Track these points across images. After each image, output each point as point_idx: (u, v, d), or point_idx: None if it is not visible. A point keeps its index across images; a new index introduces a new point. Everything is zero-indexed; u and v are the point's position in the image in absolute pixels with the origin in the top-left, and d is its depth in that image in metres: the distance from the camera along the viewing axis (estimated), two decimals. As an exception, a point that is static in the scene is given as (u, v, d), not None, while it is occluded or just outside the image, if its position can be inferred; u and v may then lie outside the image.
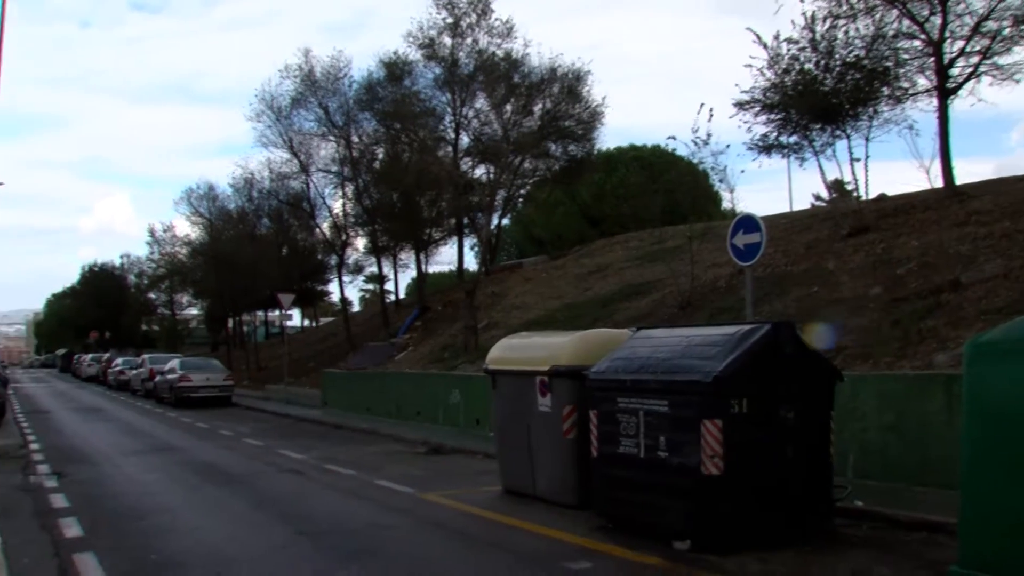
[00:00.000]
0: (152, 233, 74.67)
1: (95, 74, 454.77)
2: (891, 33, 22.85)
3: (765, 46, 23.43)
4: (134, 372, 43.32)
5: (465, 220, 44.58)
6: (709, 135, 22.04)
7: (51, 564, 8.70)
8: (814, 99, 23.00)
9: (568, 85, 39.73)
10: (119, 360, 50.17)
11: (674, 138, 43.25)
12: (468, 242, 51.30)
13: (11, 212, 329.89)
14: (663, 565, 8.15)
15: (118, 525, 10.69)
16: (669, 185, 36.07)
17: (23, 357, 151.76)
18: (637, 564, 8.30)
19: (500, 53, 39.22)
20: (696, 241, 24.83)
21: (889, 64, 23.26)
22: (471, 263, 55.99)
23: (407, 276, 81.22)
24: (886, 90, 23.38)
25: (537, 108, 39.45)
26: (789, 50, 23.39)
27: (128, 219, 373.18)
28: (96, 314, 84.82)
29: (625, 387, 9.33)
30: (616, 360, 9.81)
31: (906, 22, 22.58)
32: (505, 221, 52.96)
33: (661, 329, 10.46)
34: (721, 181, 23.88)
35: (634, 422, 9.15)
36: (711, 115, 21.96)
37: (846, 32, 23.02)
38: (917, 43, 22.86)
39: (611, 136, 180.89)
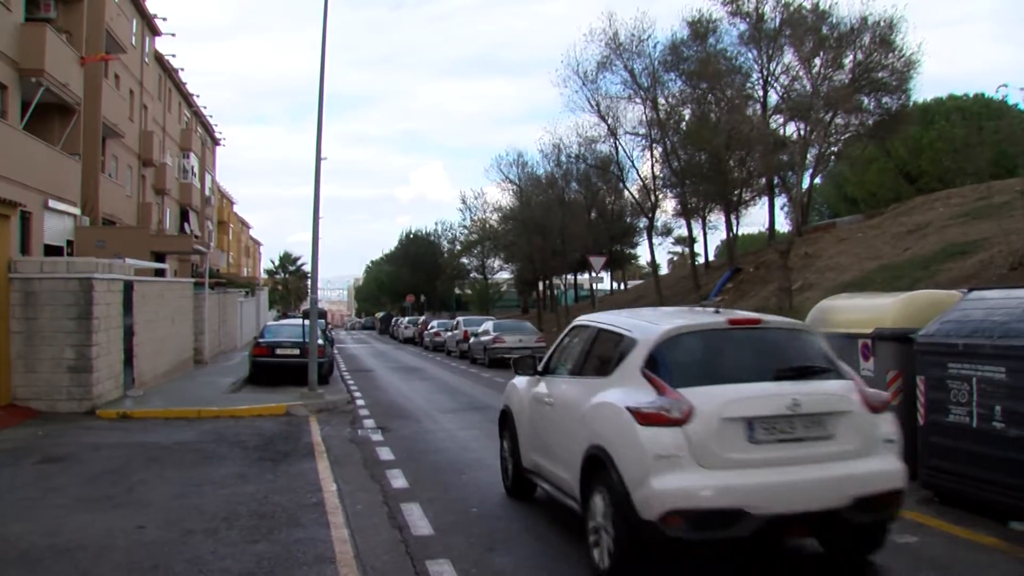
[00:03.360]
0: (464, 200, 77.69)
1: (407, 52, 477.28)
2: None
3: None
4: (449, 334, 44.70)
5: (776, 179, 43.49)
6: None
7: (381, 512, 9.27)
8: None
9: (880, 34, 37.82)
10: (434, 322, 51.97)
11: (1005, 86, 40.27)
12: (778, 202, 50.16)
13: (335, 185, 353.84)
14: (999, 546, 7.66)
15: (439, 478, 11.25)
16: (997, 136, 33.68)
17: (345, 320, 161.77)
18: (969, 542, 7.83)
19: (807, 5, 38.02)
20: (1030, 195, 23.13)
21: None
22: (781, 224, 54.72)
23: (715, 238, 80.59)
24: None
25: (847, 60, 37.87)
26: None
27: (441, 187, 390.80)
28: (412, 278, 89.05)
29: (957, 352, 8.82)
30: (946, 323, 9.28)
31: None
32: (817, 180, 51.21)
33: (997, 290, 9.73)
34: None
35: (966, 389, 8.65)
36: None
37: None
38: None
39: (928, 86, 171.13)
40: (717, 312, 7.78)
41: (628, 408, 6.65)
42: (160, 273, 31.34)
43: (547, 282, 65.90)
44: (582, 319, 9.36)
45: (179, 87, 52.90)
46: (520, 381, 9.96)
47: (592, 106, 46.62)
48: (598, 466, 6.98)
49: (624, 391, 6.97)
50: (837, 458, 6.55)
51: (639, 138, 47.51)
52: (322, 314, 34.82)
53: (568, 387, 8.38)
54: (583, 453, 7.25)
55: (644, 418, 6.50)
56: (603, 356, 7.95)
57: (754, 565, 7.44)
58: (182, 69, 51.76)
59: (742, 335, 7.32)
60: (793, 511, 6.39)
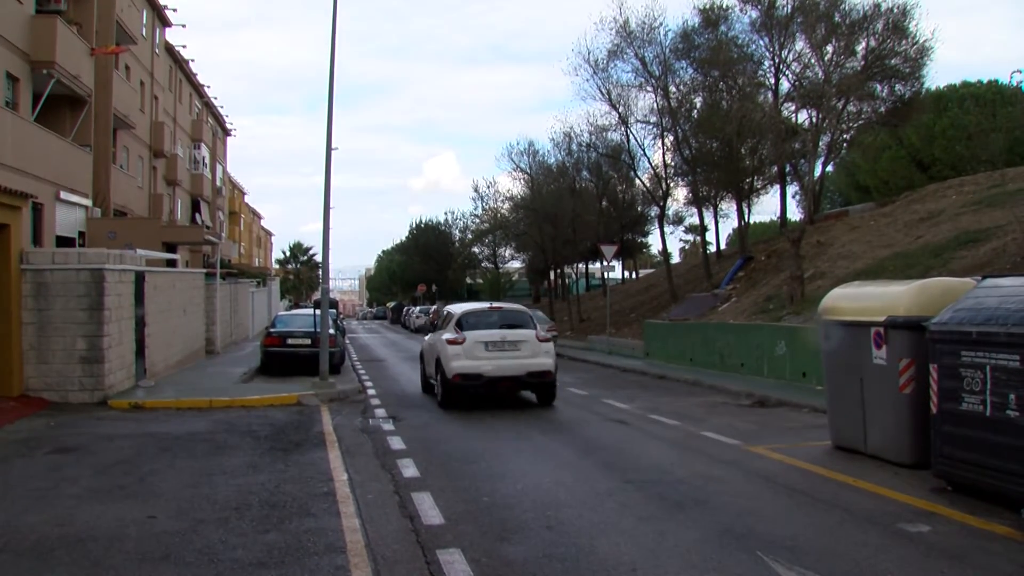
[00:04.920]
0: (476, 189, 77.54)
1: (421, 42, 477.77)
2: None
3: None
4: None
5: (787, 167, 43.26)
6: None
7: (392, 501, 9.28)
8: None
9: (893, 20, 37.59)
10: (446, 311, 51.58)
11: (1020, 71, 39.95)
12: (790, 190, 49.91)
13: (346, 175, 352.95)
14: (1014, 536, 7.62)
15: (450, 468, 11.24)
16: (1011, 123, 33.43)
17: (357, 310, 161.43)
18: (982, 532, 7.79)
19: (819, -9, 37.77)
20: (1044, 182, 22.97)
21: None
22: (793, 213, 54.53)
23: (727, 226, 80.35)
24: None
25: (860, 47, 37.65)
26: None
27: (453, 177, 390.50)
28: (423, 268, 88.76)
29: (970, 340, 8.76)
30: (959, 311, 9.21)
31: None
32: (828, 168, 50.94)
33: (1011, 278, 9.64)
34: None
35: (979, 378, 8.59)
36: None
37: None
38: None
39: (942, 73, 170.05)
40: (490, 304, 20.00)
41: (446, 339, 17.25)
42: (171, 264, 31.39)
43: (558, 271, 65.79)
44: (446, 307, 20.57)
45: (190, 78, 52.94)
46: (426, 337, 20.33)
47: (603, 94, 46.40)
48: (438, 363, 17.51)
49: (448, 334, 17.36)
50: (522, 357, 16.95)
51: (650, 126, 47.27)
52: (333, 304, 34.69)
53: (435, 335, 18.67)
54: (435, 359, 17.91)
55: (450, 342, 17.05)
56: (446, 320, 18.48)
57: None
58: (193, 60, 51.86)
59: (494, 311, 18.26)
60: (501, 375, 16.86)
